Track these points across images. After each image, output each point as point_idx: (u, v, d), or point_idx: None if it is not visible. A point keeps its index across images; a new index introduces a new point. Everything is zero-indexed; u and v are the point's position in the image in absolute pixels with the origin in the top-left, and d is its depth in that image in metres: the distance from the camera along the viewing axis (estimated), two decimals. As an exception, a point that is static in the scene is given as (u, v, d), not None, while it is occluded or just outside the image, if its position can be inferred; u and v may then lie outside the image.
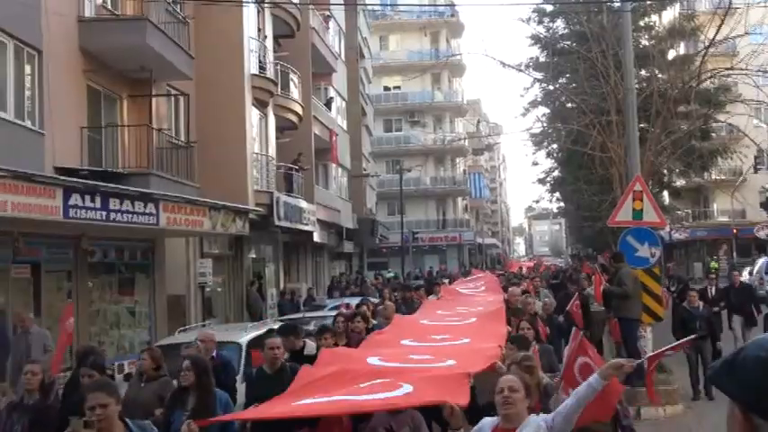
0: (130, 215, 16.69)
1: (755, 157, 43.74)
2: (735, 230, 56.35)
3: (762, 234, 52.78)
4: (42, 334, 14.15)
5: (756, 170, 48.04)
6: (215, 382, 8.48)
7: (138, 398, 8.53)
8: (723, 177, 51.91)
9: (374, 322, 13.02)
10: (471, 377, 6.49)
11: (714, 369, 1.70)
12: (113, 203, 16.03)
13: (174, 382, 8.54)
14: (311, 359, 8.75)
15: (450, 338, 8.80)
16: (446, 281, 27.63)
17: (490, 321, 10.19)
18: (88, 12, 19.07)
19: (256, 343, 12.57)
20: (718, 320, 16.99)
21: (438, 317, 11.58)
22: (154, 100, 21.20)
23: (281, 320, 17.29)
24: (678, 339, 14.19)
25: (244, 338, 13.05)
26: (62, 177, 15.44)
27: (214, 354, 10.28)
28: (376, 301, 19.36)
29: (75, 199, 14.84)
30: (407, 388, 5.92)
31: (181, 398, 7.14)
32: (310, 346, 10.20)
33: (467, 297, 15.53)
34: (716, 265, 53.89)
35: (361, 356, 7.54)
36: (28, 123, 16.73)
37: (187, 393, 7.22)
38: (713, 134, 32.47)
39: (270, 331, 11.86)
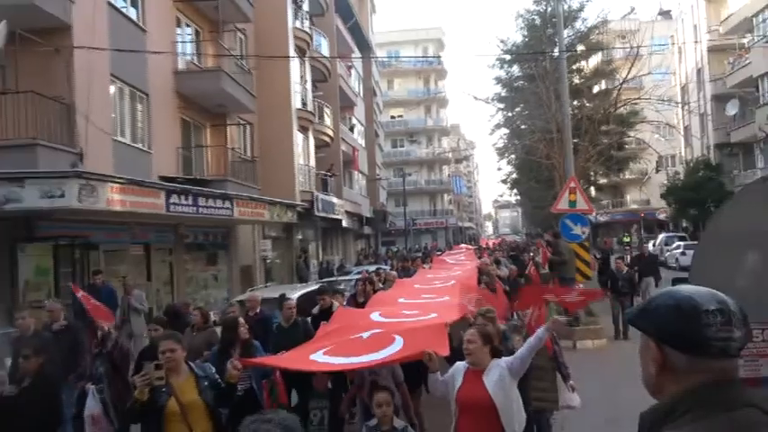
0: (213, 209, 16.77)
1: (657, 162, 43.49)
2: (642, 214, 56.05)
3: (662, 216, 52.63)
4: (140, 295, 13.38)
5: (657, 171, 47.80)
6: (255, 334, 8.10)
7: (192, 345, 7.68)
8: (633, 177, 51.74)
9: (381, 286, 12.36)
10: (448, 326, 6.04)
11: (632, 313, 1.68)
12: (201, 201, 16.11)
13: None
14: None
15: (434, 297, 8.37)
16: (438, 252, 27.62)
17: (465, 282, 9.83)
18: (181, 66, 19.10)
19: (302, 298, 12.66)
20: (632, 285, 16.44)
21: (428, 280, 11.08)
22: (228, 127, 21.26)
23: (320, 282, 17.35)
24: (606, 294, 14.44)
25: (295, 295, 13.12)
26: (164, 183, 15.53)
27: (258, 310, 9.67)
28: (387, 268, 19.41)
29: (173, 198, 14.92)
30: (399, 342, 5.40)
31: (228, 351, 6.50)
32: (336, 304, 9.54)
33: (451, 265, 15.13)
34: (629, 239, 53.73)
35: (366, 313, 7.07)
36: (140, 145, 16.79)
37: (234, 347, 6.66)
38: (626, 146, 32.32)
39: (317, 289, 11.92)
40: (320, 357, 5.51)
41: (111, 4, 15.39)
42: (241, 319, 7.30)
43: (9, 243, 12.53)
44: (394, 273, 14.82)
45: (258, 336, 8.34)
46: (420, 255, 27.56)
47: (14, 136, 12.02)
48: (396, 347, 5.33)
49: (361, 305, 9.56)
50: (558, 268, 14.38)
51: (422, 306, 7.44)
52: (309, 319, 9.05)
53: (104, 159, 14.27)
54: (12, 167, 11.47)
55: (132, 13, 16.75)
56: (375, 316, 6.80)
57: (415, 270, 16.32)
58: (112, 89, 15.48)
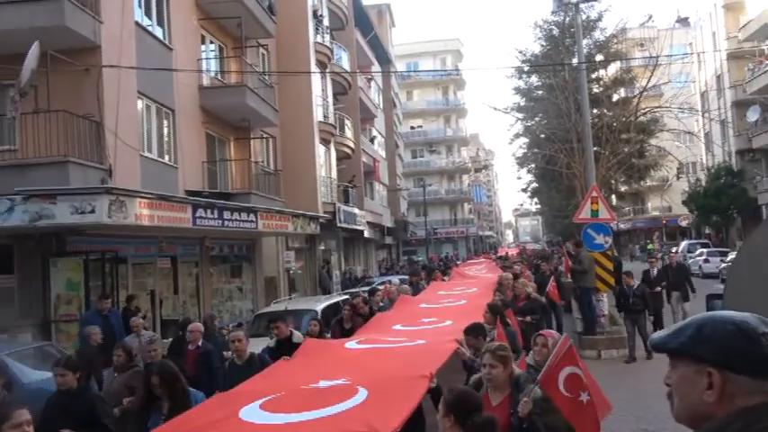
0: (238, 222, 16.83)
1: (677, 169, 43.09)
2: (664, 221, 55.63)
3: (683, 223, 52.06)
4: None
5: (678, 178, 47.48)
6: (197, 373, 7.34)
7: (110, 388, 6.84)
8: (655, 184, 51.16)
9: (381, 305, 11.41)
10: (433, 377, 4.61)
11: (680, 342, 1.60)
12: (226, 214, 16.17)
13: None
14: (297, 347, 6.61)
15: (435, 322, 7.35)
16: (459, 262, 27.51)
17: (478, 303, 8.73)
18: (205, 82, 19.29)
19: (327, 309, 12.70)
20: (659, 298, 14.34)
21: (437, 297, 10.18)
22: (252, 141, 21.38)
23: (345, 293, 17.32)
24: (619, 311, 13.81)
25: (319, 306, 13.15)
26: (190, 197, 15.64)
27: (199, 343, 8.17)
28: (398, 280, 18.96)
29: (199, 212, 14.97)
30: (361, 395, 4.25)
31: (157, 402, 5.24)
32: (297, 335, 7.93)
33: (471, 279, 14.58)
34: (652, 246, 53.19)
35: (339, 345, 5.97)
36: (166, 160, 16.95)
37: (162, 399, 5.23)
38: (647, 154, 31.98)
39: (343, 299, 11.84)
40: (254, 414, 4.20)
41: (138, 24, 15.62)
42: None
43: (41, 258, 12.72)
44: (406, 287, 13.77)
45: (200, 375, 7.33)
46: (440, 265, 27.41)
47: (46, 154, 12.22)
48: (354, 402, 4.19)
49: (348, 333, 8.38)
50: (579, 278, 14.25)
51: (415, 334, 6.56)
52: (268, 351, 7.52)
53: (132, 175, 14.45)
54: (44, 184, 11.65)
55: (158, 31, 16.98)
56: (351, 345, 5.81)
57: (423, 287, 15.61)
58: (140, 106, 15.67)
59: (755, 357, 1.52)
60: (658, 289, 14.43)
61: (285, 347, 6.82)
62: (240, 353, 6.86)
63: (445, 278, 17.01)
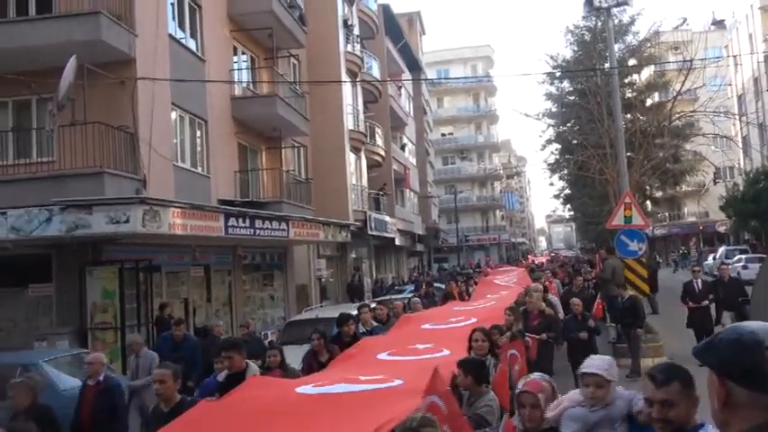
0: (270, 231, 16.94)
1: (714, 174, 42.19)
2: (701, 227, 54.55)
3: (721, 229, 51.01)
4: (150, 357, 9.31)
5: (715, 183, 46.36)
6: (104, 404, 6.55)
7: None
8: (690, 189, 50.16)
9: (375, 324, 10.14)
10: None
11: (698, 347, 1.70)
12: (258, 223, 16.29)
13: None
14: None
15: (431, 348, 6.20)
16: (478, 270, 27.10)
17: (489, 319, 7.83)
18: (237, 92, 19.52)
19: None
20: (707, 315, 12.45)
21: (444, 316, 8.76)
22: (283, 150, 21.55)
23: (375, 301, 17.29)
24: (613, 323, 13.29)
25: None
26: (223, 207, 15.81)
27: (101, 378, 6.82)
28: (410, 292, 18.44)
29: (232, 221, 15.10)
30: None
31: None
32: (253, 368, 6.42)
33: (494, 289, 13.41)
34: (686, 252, 52.17)
35: (289, 388, 4.65)
36: (199, 170, 17.15)
37: None
38: (682, 159, 31.43)
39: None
40: None
41: (171, 37, 15.90)
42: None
43: (78, 267, 12.98)
44: (416, 300, 12.56)
45: (99, 417, 6.42)
46: (461, 274, 26.71)
47: (83, 165, 12.49)
48: None
49: (325, 365, 7.10)
50: (603, 286, 14.06)
51: (398, 368, 5.28)
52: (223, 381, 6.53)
53: (166, 185, 14.67)
54: (80, 195, 11.90)
55: (191, 43, 17.26)
56: (304, 389, 4.51)
57: (440, 297, 14.97)
58: (173, 117, 15.93)
59: (750, 370, 1.52)
60: (705, 303, 12.49)
61: (237, 383, 5.33)
62: (165, 398, 5.32)
63: (470, 288, 16.10)
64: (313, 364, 7.74)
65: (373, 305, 12.30)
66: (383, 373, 4.90)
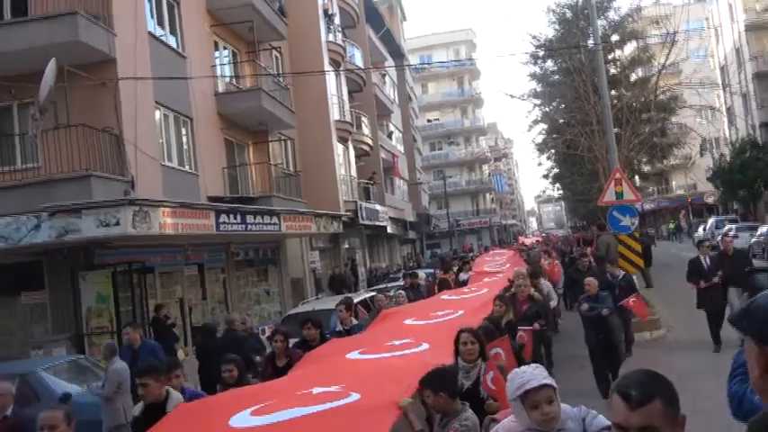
0: (261, 226, 16.85)
1: (700, 146, 42.44)
2: (689, 199, 54.86)
3: (710, 200, 51.39)
4: (118, 371, 8.17)
5: (702, 154, 46.81)
6: None
7: None
8: (678, 162, 50.39)
9: (354, 322, 9.12)
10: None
11: (734, 315, 1.65)
12: (249, 219, 16.20)
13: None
14: None
15: (410, 344, 5.58)
16: (471, 254, 26.91)
17: (480, 312, 7.31)
18: (221, 88, 19.33)
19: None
20: (717, 294, 11.13)
21: (430, 309, 7.99)
22: (270, 144, 21.42)
23: (371, 290, 17.26)
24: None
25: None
26: (213, 203, 15.71)
27: (8, 412, 5.23)
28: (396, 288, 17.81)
29: (223, 218, 15.02)
30: None
31: None
32: (175, 397, 5.23)
33: (487, 277, 12.68)
34: (673, 226, 52.50)
35: (222, 419, 3.93)
36: (187, 168, 17.01)
37: None
38: (668, 132, 31.49)
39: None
40: None
41: (151, 34, 15.68)
42: None
43: (70, 272, 12.85)
44: (401, 293, 11.65)
45: None
46: (456, 258, 25.97)
47: (69, 169, 12.32)
48: None
49: (282, 370, 6.43)
50: (599, 263, 14.01)
51: (364, 374, 4.72)
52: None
53: (154, 184, 14.52)
54: (68, 199, 11.74)
55: (172, 40, 17.04)
56: (243, 421, 3.85)
57: (425, 288, 14.51)
58: (158, 116, 15.74)
59: None
60: (715, 280, 11.12)
61: (157, 417, 4.45)
62: None
63: (464, 273, 15.20)
64: (268, 371, 6.68)
65: (357, 299, 11.96)
66: (346, 380, 4.36)
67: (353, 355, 5.47)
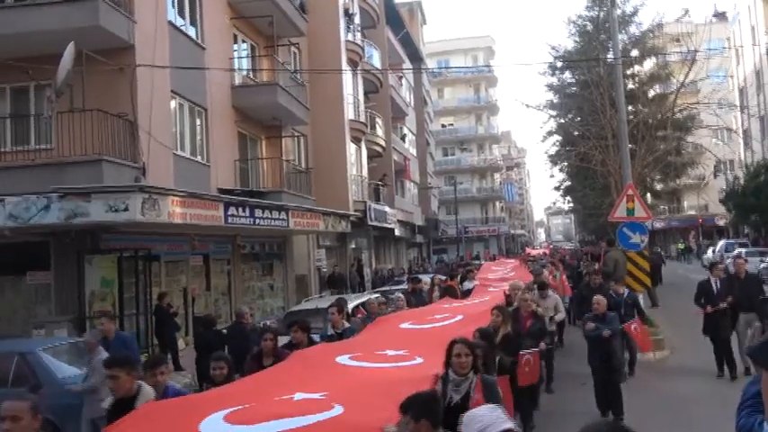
0: (269, 220, 16.87)
1: (715, 167, 42.16)
2: (700, 220, 54.57)
3: (721, 222, 51.05)
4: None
5: (716, 176, 46.52)
6: None
7: None
8: (691, 182, 50.13)
9: (346, 325, 8.50)
10: None
11: (752, 348, 1.59)
12: (258, 212, 16.22)
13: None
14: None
15: (405, 356, 5.21)
16: (477, 263, 26.66)
17: (478, 321, 6.88)
18: (237, 81, 19.37)
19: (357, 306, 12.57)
20: (725, 319, 10.52)
21: (432, 312, 7.78)
22: (283, 140, 21.44)
23: (375, 292, 17.18)
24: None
25: (350, 305, 13.04)
26: (222, 195, 15.73)
27: None
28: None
29: (231, 210, 15.04)
30: None
31: None
32: (146, 391, 4.86)
33: (490, 285, 12.20)
34: (682, 246, 52.13)
35: (192, 422, 3.69)
36: (199, 158, 17.05)
37: None
38: (684, 151, 31.31)
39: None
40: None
41: (171, 24, 15.74)
42: None
43: (76, 255, 12.89)
44: (399, 295, 11.01)
45: None
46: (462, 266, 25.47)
47: (81, 153, 12.38)
48: None
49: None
50: (607, 280, 13.90)
51: (348, 388, 4.30)
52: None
53: (165, 173, 14.56)
54: (79, 183, 11.79)
55: (191, 31, 17.10)
56: (215, 426, 3.65)
57: (427, 294, 13.69)
58: (173, 105, 15.80)
59: None
60: (723, 305, 10.52)
61: (124, 412, 4.22)
62: None
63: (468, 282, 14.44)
64: (253, 370, 6.25)
65: (355, 303, 11.69)
66: (331, 388, 4.10)
67: (343, 359, 5.09)
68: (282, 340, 7.69)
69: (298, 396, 4.00)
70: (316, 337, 8.05)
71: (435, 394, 4.05)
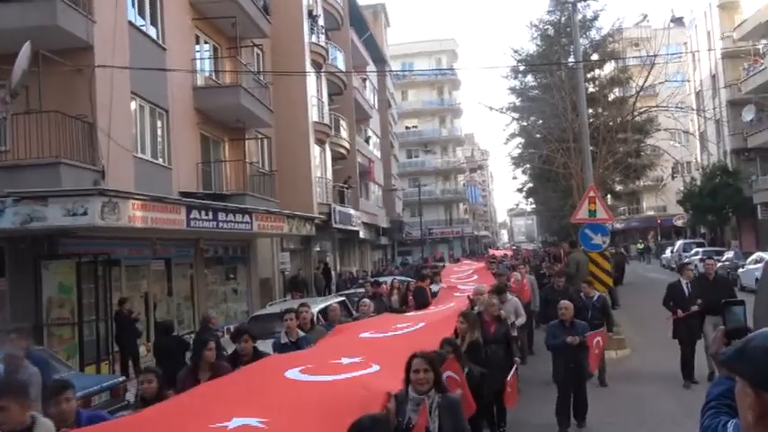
0: (232, 224, 16.66)
1: (673, 168, 43.13)
2: (659, 221, 55.79)
3: (678, 223, 52.26)
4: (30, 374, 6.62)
5: (673, 177, 47.50)
6: None
7: None
8: (650, 183, 51.16)
9: (301, 334, 8.00)
10: None
11: (727, 354, 1.55)
12: (221, 216, 16.02)
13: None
14: None
15: (359, 364, 4.86)
16: (440, 264, 26.85)
17: (440, 329, 6.67)
18: (200, 82, 19.14)
19: (323, 310, 12.45)
20: (696, 323, 10.21)
21: (392, 321, 7.52)
22: (246, 142, 21.24)
23: (340, 295, 17.07)
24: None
25: (315, 308, 12.97)
26: (184, 198, 15.49)
27: None
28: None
29: (194, 214, 14.81)
30: None
31: None
32: (43, 424, 3.95)
33: (455, 290, 12.05)
34: (641, 246, 53.19)
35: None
36: (160, 161, 16.80)
37: None
38: (643, 153, 31.96)
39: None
40: None
41: (131, 24, 15.46)
42: None
43: (33, 260, 12.56)
44: (367, 301, 10.68)
45: None
46: (426, 267, 25.43)
47: (38, 155, 12.06)
48: None
49: None
50: (570, 281, 14.03)
51: (295, 394, 4.22)
52: None
53: (126, 176, 14.29)
54: (36, 186, 11.49)
55: (152, 31, 16.82)
56: None
57: (387, 299, 14.00)
58: (133, 106, 15.51)
59: None
60: (694, 308, 10.19)
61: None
62: (10, 429, 3.77)
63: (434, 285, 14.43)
64: (187, 387, 5.49)
65: (321, 306, 11.41)
66: (273, 412, 3.78)
67: (292, 373, 4.63)
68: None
69: (235, 422, 3.58)
70: (267, 347, 7.70)
71: (383, 418, 3.60)
